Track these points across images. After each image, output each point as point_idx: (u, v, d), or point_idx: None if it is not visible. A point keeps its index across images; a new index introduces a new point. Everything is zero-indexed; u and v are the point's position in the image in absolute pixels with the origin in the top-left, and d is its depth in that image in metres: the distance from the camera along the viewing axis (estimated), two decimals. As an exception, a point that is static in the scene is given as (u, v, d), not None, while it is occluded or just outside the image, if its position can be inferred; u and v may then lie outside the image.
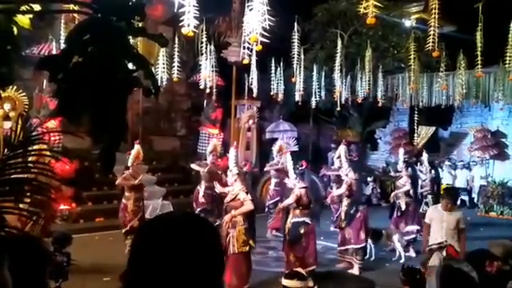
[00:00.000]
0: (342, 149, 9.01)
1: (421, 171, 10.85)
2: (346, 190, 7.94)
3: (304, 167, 7.81)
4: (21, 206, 2.90)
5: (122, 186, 7.85)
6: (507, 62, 10.00)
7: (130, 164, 7.84)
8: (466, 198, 15.15)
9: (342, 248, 7.93)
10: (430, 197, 10.32)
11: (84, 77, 1.49)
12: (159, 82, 11.07)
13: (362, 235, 7.79)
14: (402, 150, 10.26)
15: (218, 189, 7.38)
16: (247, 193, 6.56)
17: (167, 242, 1.08)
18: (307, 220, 7.05)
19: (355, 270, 7.70)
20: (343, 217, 7.95)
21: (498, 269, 3.20)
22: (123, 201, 7.83)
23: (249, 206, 6.42)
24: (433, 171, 11.02)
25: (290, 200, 7.09)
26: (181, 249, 1.08)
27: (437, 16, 7.81)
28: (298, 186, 7.13)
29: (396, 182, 9.76)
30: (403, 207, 9.24)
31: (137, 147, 8.07)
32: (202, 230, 1.14)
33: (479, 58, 9.57)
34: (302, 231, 6.98)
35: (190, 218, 1.19)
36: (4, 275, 1.09)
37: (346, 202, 8.01)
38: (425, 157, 10.98)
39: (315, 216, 7.49)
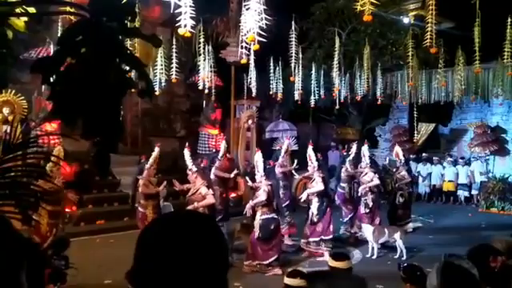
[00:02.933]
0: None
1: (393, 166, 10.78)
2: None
3: (271, 166, 8.37)
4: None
5: (144, 194, 7.78)
6: (505, 57, 9.99)
7: (148, 166, 7.81)
8: (467, 194, 15.13)
9: (311, 240, 8.35)
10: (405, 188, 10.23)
11: (77, 78, 1.49)
12: (157, 83, 11.06)
13: (331, 228, 8.38)
14: (365, 147, 10.21)
15: (178, 186, 7.85)
16: (208, 187, 7.17)
17: (173, 240, 1.09)
18: (275, 215, 7.57)
19: (326, 257, 7.99)
20: (315, 212, 8.30)
21: (502, 264, 3.17)
22: (140, 209, 7.75)
23: (210, 199, 7.06)
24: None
25: (263, 197, 7.42)
26: (187, 247, 1.09)
27: (434, 12, 7.81)
28: (266, 183, 7.54)
29: (361, 178, 9.78)
30: (370, 204, 9.52)
31: (157, 150, 8.05)
32: (207, 228, 1.15)
33: (477, 53, 9.58)
34: (272, 227, 7.47)
35: (195, 217, 1.20)
36: (22, 282, 1.10)
37: (316, 199, 8.37)
38: (398, 149, 10.85)
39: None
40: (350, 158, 10.17)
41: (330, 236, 8.37)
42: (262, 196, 7.46)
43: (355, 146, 10.74)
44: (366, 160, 9.89)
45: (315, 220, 8.33)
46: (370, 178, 9.62)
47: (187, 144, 8.21)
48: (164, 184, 7.99)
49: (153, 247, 1.11)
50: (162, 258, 1.08)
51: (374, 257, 8.30)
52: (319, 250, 8.33)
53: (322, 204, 8.38)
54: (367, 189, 9.55)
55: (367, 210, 9.54)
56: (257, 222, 7.45)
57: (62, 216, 6.61)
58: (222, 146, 9.46)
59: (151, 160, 7.93)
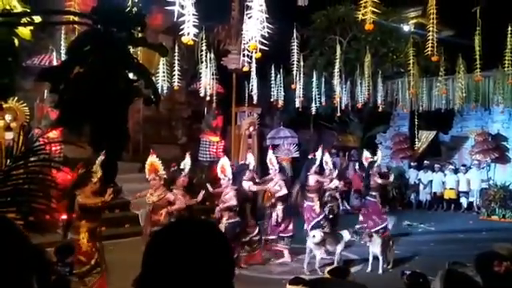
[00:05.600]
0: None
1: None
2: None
3: (235, 171, 8.47)
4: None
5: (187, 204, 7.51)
6: (506, 65, 10.03)
7: (183, 175, 7.63)
8: (467, 201, 15.10)
9: (269, 237, 8.79)
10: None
11: (85, 87, 1.51)
12: (160, 90, 11.10)
13: (291, 226, 8.79)
14: (327, 155, 10.02)
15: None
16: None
17: (180, 247, 1.12)
18: (238, 219, 7.82)
19: (286, 256, 8.59)
20: (281, 215, 8.69)
21: (506, 269, 3.17)
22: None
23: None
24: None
25: (235, 201, 7.71)
26: (194, 254, 1.11)
27: (435, 21, 7.84)
28: (233, 188, 7.84)
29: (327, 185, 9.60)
30: (335, 210, 9.76)
31: (188, 157, 8.01)
32: (213, 235, 1.18)
33: (478, 61, 9.62)
34: (237, 230, 7.74)
35: (201, 225, 1.23)
36: (33, 287, 1.13)
37: (280, 203, 8.76)
38: (367, 154, 10.65)
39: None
40: (377, 164, 10.09)
41: (290, 234, 8.74)
42: (232, 200, 7.69)
43: (380, 152, 10.85)
44: (329, 167, 9.73)
45: (279, 221, 8.66)
46: (334, 186, 9.63)
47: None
48: (202, 193, 7.70)
49: (160, 255, 1.13)
50: (169, 266, 1.10)
51: (380, 271, 7.73)
52: (277, 246, 8.72)
53: (287, 207, 8.81)
54: (328, 198, 9.58)
55: (331, 216, 9.49)
56: (222, 226, 7.50)
57: (98, 234, 6.19)
58: (250, 157, 9.06)
59: (187, 168, 7.77)
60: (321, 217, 8.85)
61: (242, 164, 9.14)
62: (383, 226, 9.44)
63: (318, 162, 9.20)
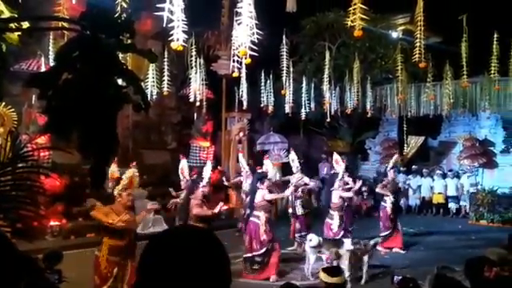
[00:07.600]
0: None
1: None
2: None
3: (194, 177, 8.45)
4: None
5: (197, 216, 7.00)
6: (492, 71, 10.18)
7: (204, 184, 7.17)
8: (457, 206, 15.24)
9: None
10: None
11: (74, 93, 1.50)
12: (149, 95, 11.05)
13: None
14: (293, 153, 10.01)
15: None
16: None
17: (175, 254, 1.11)
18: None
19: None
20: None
21: (496, 274, 3.22)
22: None
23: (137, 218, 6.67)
24: None
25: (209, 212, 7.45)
26: (189, 261, 1.10)
27: (422, 28, 7.94)
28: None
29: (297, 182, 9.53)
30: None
31: (209, 164, 7.81)
32: (208, 242, 1.17)
33: (465, 68, 9.75)
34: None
35: (196, 231, 1.22)
36: None
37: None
38: (337, 157, 9.79)
39: None
40: (389, 169, 10.21)
41: None
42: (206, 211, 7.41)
43: (396, 156, 11.05)
44: (295, 165, 9.74)
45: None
46: (304, 182, 9.70)
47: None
48: (220, 205, 7.29)
49: (156, 262, 1.12)
50: (165, 273, 1.09)
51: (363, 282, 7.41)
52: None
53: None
54: (300, 193, 9.68)
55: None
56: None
57: (126, 254, 5.39)
58: (268, 164, 8.72)
59: (207, 177, 7.35)
60: (336, 237, 8.36)
61: (261, 172, 8.59)
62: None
63: (340, 176, 8.92)
